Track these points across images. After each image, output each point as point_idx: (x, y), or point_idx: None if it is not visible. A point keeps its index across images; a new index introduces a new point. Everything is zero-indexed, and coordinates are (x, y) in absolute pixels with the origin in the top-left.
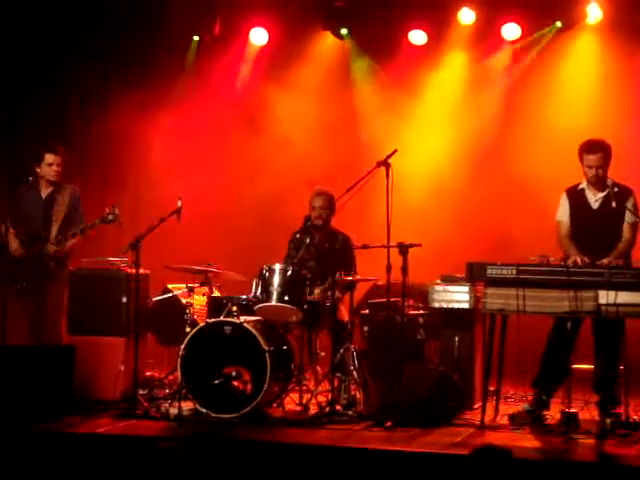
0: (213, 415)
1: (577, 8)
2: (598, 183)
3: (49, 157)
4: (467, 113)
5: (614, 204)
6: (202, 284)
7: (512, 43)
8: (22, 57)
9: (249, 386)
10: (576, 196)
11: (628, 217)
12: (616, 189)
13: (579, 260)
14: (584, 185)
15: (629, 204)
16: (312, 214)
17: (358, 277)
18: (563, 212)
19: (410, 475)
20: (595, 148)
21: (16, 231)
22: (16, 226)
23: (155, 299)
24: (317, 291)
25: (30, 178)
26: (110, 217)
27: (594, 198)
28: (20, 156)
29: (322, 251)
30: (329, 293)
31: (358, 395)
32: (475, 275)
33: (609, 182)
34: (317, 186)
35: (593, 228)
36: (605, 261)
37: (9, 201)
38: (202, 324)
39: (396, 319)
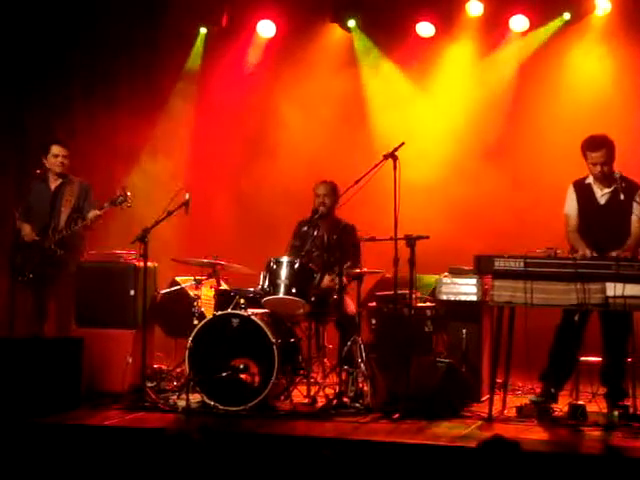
0: (221, 407)
1: (585, 0)
2: (604, 179)
3: (55, 148)
4: (475, 105)
5: (622, 197)
6: (210, 277)
7: (520, 35)
8: (27, 50)
9: (257, 379)
10: (583, 190)
11: (637, 210)
12: (624, 184)
13: (588, 253)
14: (591, 180)
15: (638, 198)
16: (316, 202)
17: (365, 270)
18: (571, 205)
19: (417, 467)
20: (598, 145)
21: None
22: (25, 217)
23: (163, 292)
24: (327, 277)
25: (38, 171)
26: (120, 199)
27: (601, 193)
28: (26, 149)
29: (328, 243)
30: (337, 282)
31: (365, 388)
32: (483, 267)
33: (617, 175)
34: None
35: (601, 223)
36: (614, 254)
37: (19, 193)
38: (210, 317)
39: (404, 312)
